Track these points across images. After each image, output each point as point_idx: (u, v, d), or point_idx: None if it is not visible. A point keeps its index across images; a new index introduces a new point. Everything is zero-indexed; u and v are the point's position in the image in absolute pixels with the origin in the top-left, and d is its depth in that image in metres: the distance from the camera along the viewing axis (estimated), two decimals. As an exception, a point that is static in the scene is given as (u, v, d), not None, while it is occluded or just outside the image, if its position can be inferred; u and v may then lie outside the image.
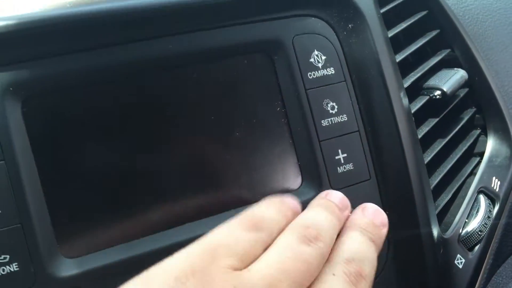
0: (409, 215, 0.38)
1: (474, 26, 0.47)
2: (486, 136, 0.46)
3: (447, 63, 0.45)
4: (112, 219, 0.32)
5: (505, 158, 0.44)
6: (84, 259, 0.31)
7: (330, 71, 0.38)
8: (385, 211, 0.33)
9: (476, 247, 0.40)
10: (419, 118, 0.41)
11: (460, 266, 0.38)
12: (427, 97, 0.42)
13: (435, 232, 0.38)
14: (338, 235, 0.29)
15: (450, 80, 0.43)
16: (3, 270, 0.29)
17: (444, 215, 0.41)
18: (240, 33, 0.36)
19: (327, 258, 0.27)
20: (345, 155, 0.37)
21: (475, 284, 0.39)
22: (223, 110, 0.35)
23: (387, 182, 0.38)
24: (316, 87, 0.37)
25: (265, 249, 0.26)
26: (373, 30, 0.38)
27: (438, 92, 0.42)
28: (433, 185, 0.40)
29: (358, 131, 0.38)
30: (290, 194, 0.36)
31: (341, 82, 0.38)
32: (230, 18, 0.35)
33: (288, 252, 0.25)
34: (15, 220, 0.30)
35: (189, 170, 0.34)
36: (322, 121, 0.37)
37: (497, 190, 0.42)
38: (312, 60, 0.37)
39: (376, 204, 0.37)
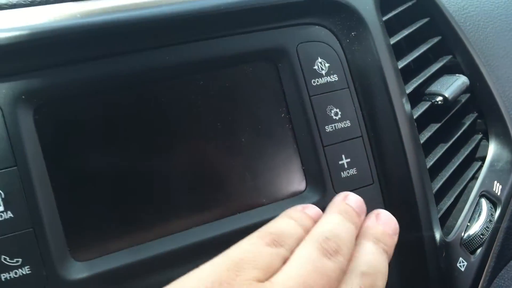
0: (412, 219, 0.38)
1: (475, 32, 0.48)
2: (488, 140, 0.46)
3: (449, 69, 0.46)
4: (121, 223, 0.33)
5: (507, 162, 0.44)
6: (94, 262, 0.32)
7: (334, 78, 0.38)
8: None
9: (478, 250, 0.40)
10: (421, 123, 0.42)
11: (462, 269, 0.39)
12: (429, 103, 0.43)
13: (438, 235, 0.39)
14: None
15: (451, 86, 0.43)
16: (16, 273, 0.30)
17: (446, 219, 0.42)
18: (245, 41, 0.36)
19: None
20: (348, 160, 0.38)
21: (477, 287, 0.40)
22: (229, 116, 0.36)
23: (390, 186, 0.39)
24: (320, 94, 0.38)
25: (285, 261, 0.27)
26: (375, 37, 0.39)
27: (440, 98, 0.43)
28: (435, 189, 0.40)
29: (361, 136, 0.39)
30: (295, 198, 0.37)
31: (344, 88, 0.39)
32: (236, 27, 0.36)
33: (309, 266, 0.26)
34: (27, 225, 0.30)
35: (197, 176, 0.35)
36: (326, 126, 0.38)
37: (498, 194, 0.43)
38: (315, 67, 0.38)
39: (378, 208, 0.38)
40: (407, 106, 0.39)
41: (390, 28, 0.42)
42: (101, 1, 0.34)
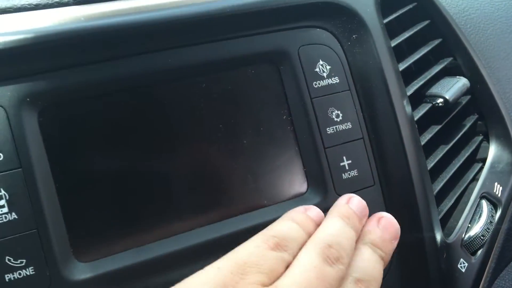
0: (413, 220, 0.39)
1: (476, 35, 0.48)
2: (488, 142, 0.46)
3: (450, 71, 0.46)
4: (125, 224, 0.33)
5: (507, 164, 0.45)
6: (97, 263, 0.32)
7: (335, 80, 0.39)
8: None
9: (479, 252, 0.40)
10: (422, 125, 0.42)
11: (463, 270, 0.39)
12: (430, 105, 0.43)
13: (439, 237, 0.39)
14: None
15: (452, 88, 0.44)
16: (20, 274, 0.30)
17: (447, 220, 0.42)
18: (248, 44, 0.37)
19: None
20: (349, 161, 0.38)
21: (478, 288, 0.40)
22: (231, 119, 0.36)
23: (391, 188, 0.39)
24: (321, 96, 0.38)
25: (287, 265, 0.27)
26: (376, 40, 0.39)
27: (440, 100, 0.43)
28: (436, 190, 0.41)
29: (363, 138, 0.39)
30: (296, 200, 0.37)
31: (346, 91, 0.39)
32: (238, 30, 0.37)
33: (312, 272, 0.26)
34: (31, 226, 0.31)
35: (199, 177, 0.35)
36: (327, 128, 0.38)
37: (499, 195, 0.43)
38: (317, 69, 0.38)
39: (380, 209, 0.38)
40: (408, 108, 0.40)
41: (391, 30, 0.42)
42: (104, 4, 0.34)
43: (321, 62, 0.39)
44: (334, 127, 0.38)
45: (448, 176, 0.42)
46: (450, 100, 0.43)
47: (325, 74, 0.39)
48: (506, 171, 0.44)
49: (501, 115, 0.45)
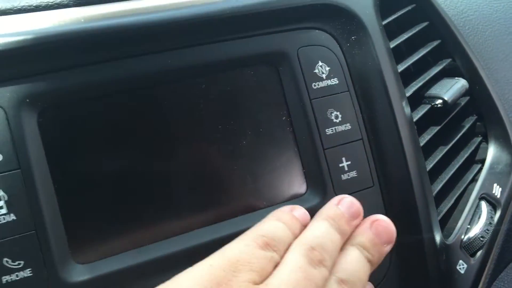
0: (412, 221, 0.39)
1: (475, 36, 0.48)
2: (487, 143, 0.46)
3: (448, 73, 0.46)
4: (123, 225, 0.33)
5: (506, 165, 0.45)
6: (96, 264, 0.32)
7: (334, 81, 0.39)
8: (388, 217, 0.34)
9: (478, 253, 0.40)
10: (421, 126, 0.42)
11: (462, 272, 0.39)
12: (429, 106, 0.43)
13: (438, 238, 0.39)
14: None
15: (451, 89, 0.44)
16: (17, 276, 0.30)
17: (446, 221, 0.42)
18: (247, 45, 0.37)
19: None
20: (349, 162, 0.38)
21: (477, 289, 0.40)
22: (230, 119, 0.36)
23: (390, 189, 0.39)
24: (321, 97, 0.38)
25: (275, 265, 0.28)
26: (375, 41, 0.39)
27: (439, 101, 0.43)
28: (435, 191, 0.41)
29: (362, 139, 0.39)
30: (295, 201, 0.37)
31: (345, 92, 0.39)
32: (237, 32, 0.37)
33: (299, 273, 0.27)
34: (30, 227, 0.31)
35: (198, 178, 0.35)
36: (327, 129, 0.38)
37: (498, 196, 0.43)
38: (316, 71, 0.38)
39: (379, 210, 0.38)
40: (407, 109, 0.40)
41: (390, 32, 0.42)
42: (104, 6, 0.34)
43: (320, 63, 0.39)
44: (333, 128, 0.38)
45: (447, 177, 0.42)
46: (449, 101, 0.43)
47: (324, 75, 0.39)
48: (505, 172, 0.44)
49: (499, 116, 0.46)
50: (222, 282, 0.25)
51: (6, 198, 0.30)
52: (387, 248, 0.33)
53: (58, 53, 0.32)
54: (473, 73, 0.46)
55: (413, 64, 0.44)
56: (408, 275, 0.39)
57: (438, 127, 0.43)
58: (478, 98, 0.46)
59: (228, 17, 0.35)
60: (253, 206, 0.36)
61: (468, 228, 0.41)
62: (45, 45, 0.31)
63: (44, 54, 0.32)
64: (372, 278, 0.32)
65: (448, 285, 0.39)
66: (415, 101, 0.43)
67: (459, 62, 0.47)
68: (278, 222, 0.31)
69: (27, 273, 0.30)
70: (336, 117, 0.38)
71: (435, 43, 0.46)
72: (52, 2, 0.35)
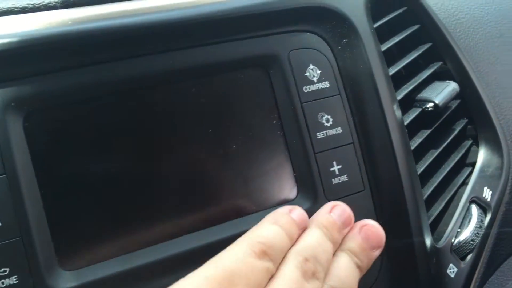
0: (403, 225, 0.39)
1: (466, 39, 0.48)
2: (478, 146, 0.47)
3: (439, 76, 0.46)
4: (110, 232, 0.32)
5: (496, 168, 0.45)
6: (82, 271, 0.31)
7: (325, 84, 0.39)
8: (378, 221, 0.34)
9: (468, 256, 0.41)
10: (412, 129, 0.42)
11: (452, 276, 0.39)
12: (420, 109, 0.43)
13: (428, 241, 0.39)
14: None
15: (442, 92, 0.44)
16: (3, 283, 0.29)
17: (436, 225, 0.42)
18: (238, 48, 0.36)
19: None
20: (339, 166, 0.38)
21: (468, 293, 0.40)
22: (220, 123, 0.36)
23: (381, 192, 0.39)
24: (312, 100, 0.38)
25: (271, 276, 0.28)
26: (366, 44, 0.39)
27: (430, 104, 0.43)
28: (426, 195, 0.41)
29: (353, 143, 0.39)
30: (286, 205, 0.37)
31: (336, 95, 0.39)
32: (228, 34, 0.36)
33: (294, 286, 0.27)
34: (15, 233, 0.30)
35: (187, 183, 0.35)
36: (317, 133, 0.38)
37: (488, 199, 0.43)
38: (307, 74, 0.38)
39: (370, 214, 0.38)
40: (398, 113, 0.40)
41: (381, 35, 0.42)
42: (91, 8, 0.34)
43: (311, 67, 0.38)
44: (324, 132, 0.38)
45: (437, 181, 0.42)
46: (440, 104, 0.43)
47: (315, 79, 0.38)
48: (495, 175, 0.44)
49: (490, 120, 0.46)
50: None
51: (-10, 204, 0.30)
52: (376, 253, 0.33)
53: (44, 55, 0.31)
54: (464, 76, 0.46)
55: (404, 67, 0.44)
56: (399, 279, 0.39)
57: (429, 131, 0.43)
58: (469, 101, 0.46)
59: (219, 20, 0.35)
60: (243, 210, 0.36)
61: (458, 231, 0.41)
62: (31, 48, 0.31)
63: (30, 56, 0.31)
64: (363, 281, 0.32)
65: (439, 289, 0.39)
66: (406, 104, 0.43)
67: (450, 65, 0.47)
68: (275, 226, 0.30)
69: (12, 280, 0.30)
70: (327, 120, 0.38)
71: (426, 46, 0.46)
72: (39, 4, 0.34)
